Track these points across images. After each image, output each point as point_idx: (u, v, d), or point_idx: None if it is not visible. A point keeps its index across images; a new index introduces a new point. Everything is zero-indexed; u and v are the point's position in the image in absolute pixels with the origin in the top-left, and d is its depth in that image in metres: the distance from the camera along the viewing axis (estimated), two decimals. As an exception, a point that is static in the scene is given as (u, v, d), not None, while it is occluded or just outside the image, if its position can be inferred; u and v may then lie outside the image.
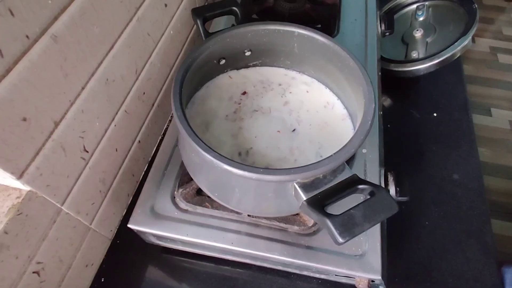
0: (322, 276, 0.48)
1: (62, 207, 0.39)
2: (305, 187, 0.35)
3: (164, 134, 0.59)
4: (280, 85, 0.54)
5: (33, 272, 0.37)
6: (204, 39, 0.46)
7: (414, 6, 0.77)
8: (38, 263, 0.38)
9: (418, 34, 0.73)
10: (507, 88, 1.78)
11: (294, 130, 0.48)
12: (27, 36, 0.30)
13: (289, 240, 0.44)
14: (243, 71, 0.55)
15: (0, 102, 0.28)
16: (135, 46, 0.47)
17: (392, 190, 0.47)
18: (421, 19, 0.75)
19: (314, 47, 0.48)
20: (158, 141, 0.60)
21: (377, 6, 0.70)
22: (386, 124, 0.63)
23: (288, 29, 0.48)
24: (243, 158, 0.45)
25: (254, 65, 0.55)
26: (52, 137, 0.35)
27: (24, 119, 0.31)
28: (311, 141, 0.47)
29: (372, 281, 0.43)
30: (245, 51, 0.51)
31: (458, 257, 0.52)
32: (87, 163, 0.42)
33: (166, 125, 0.62)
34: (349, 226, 0.31)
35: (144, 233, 0.46)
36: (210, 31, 0.48)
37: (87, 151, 0.41)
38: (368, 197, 0.33)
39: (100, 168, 0.45)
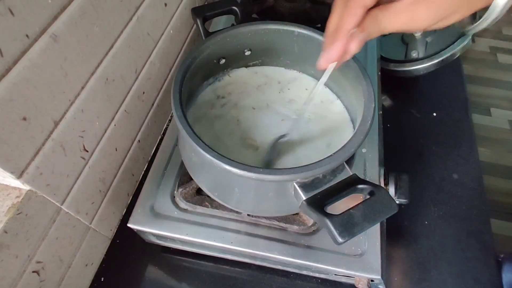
0: (322, 276, 0.48)
1: (62, 207, 0.39)
2: (304, 186, 0.35)
3: (164, 133, 0.59)
4: (279, 84, 0.54)
5: (33, 272, 0.37)
6: (204, 38, 0.46)
7: (414, 5, 0.77)
8: (38, 262, 0.38)
9: (417, 33, 0.73)
10: (507, 88, 1.78)
11: (295, 128, 0.48)
12: (26, 36, 0.30)
13: (289, 239, 0.44)
14: (243, 71, 0.55)
15: (0, 101, 0.28)
16: (135, 45, 0.47)
17: (392, 190, 0.47)
18: (421, 18, 0.75)
19: (314, 46, 0.48)
20: (158, 140, 0.60)
21: (377, 6, 0.70)
22: (386, 123, 0.63)
23: (288, 29, 0.48)
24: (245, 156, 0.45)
25: (254, 65, 0.55)
26: (52, 136, 0.35)
27: (24, 119, 0.31)
28: (312, 139, 0.47)
29: (372, 280, 0.43)
30: (245, 50, 0.51)
31: (458, 256, 0.52)
32: (87, 163, 0.42)
33: (166, 124, 0.62)
34: (348, 226, 0.31)
35: (144, 232, 0.46)
36: (210, 30, 0.48)
37: (87, 151, 0.41)
38: (368, 197, 0.33)
39: (100, 168, 0.45)
